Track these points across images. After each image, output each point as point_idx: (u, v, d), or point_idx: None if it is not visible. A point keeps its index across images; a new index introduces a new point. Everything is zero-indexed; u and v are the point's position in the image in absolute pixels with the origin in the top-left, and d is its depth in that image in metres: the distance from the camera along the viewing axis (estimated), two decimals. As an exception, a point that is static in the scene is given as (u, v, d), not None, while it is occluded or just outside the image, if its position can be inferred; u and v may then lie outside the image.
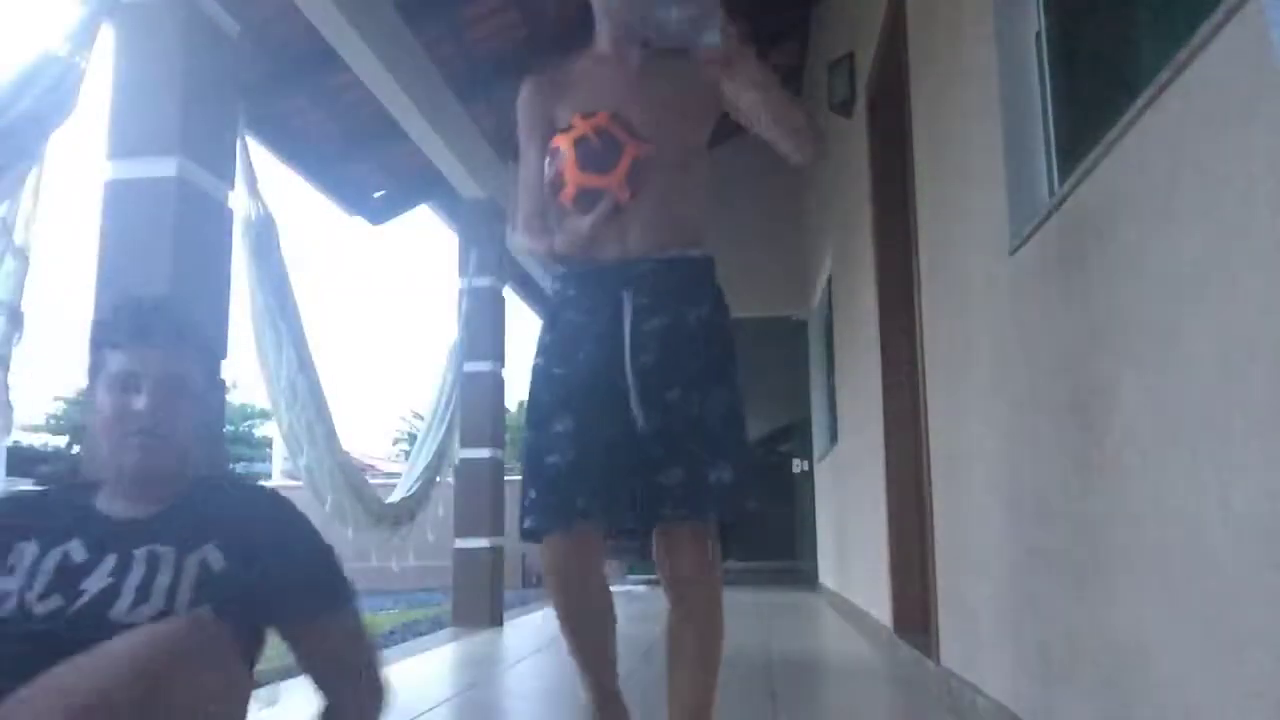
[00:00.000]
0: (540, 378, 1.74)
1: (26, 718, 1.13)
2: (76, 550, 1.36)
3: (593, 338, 1.71)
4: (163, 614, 1.31)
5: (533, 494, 1.66)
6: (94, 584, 1.33)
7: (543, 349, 1.77)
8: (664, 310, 1.72)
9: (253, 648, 1.42)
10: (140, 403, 1.38)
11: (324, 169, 5.46)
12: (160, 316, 1.46)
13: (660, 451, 1.68)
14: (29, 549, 1.36)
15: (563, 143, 1.62)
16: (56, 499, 1.50)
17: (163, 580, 1.35)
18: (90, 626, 1.26)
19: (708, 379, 1.72)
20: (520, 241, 1.84)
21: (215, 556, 1.38)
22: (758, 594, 7.31)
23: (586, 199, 1.60)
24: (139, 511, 1.42)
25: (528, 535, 1.68)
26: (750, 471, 1.72)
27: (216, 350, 1.79)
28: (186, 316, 1.52)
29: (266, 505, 1.50)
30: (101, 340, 1.43)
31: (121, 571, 1.35)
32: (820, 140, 1.76)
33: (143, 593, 1.33)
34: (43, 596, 1.31)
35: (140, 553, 1.36)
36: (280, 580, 1.40)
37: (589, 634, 1.75)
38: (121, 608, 1.32)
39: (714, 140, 1.91)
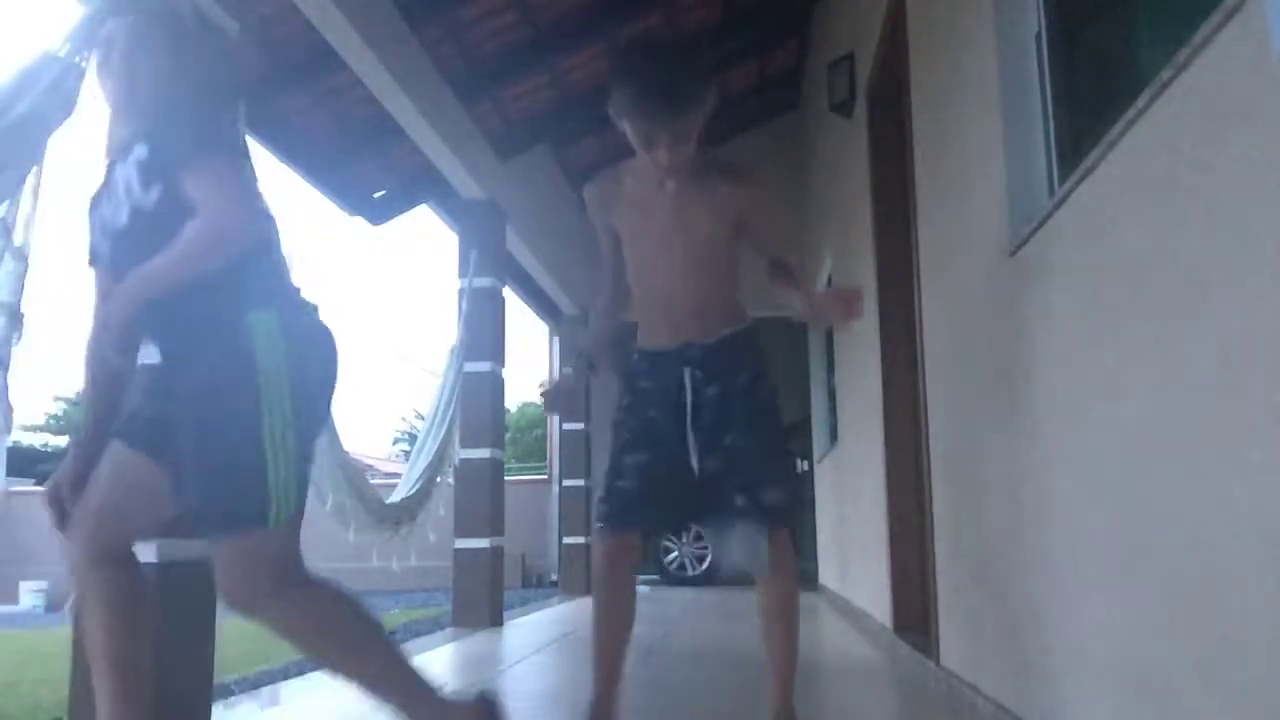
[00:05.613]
0: (622, 427, 2.23)
1: None
2: None
3: (660, 403, 2.18)
4: None
5: (604, 507, 2.20)
6: None
7: (624, 408, 2.24)
8: (715, 381, 2.16)
9: None
10: None
11: (324, 169, 5.46)
12: None
13: (729, 482, 2.13)
14: None
15: None
16: None
17: None
18: None
19: (755, 426, 2.15)
20: (596, 304, 2.35)
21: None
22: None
23: None
24: None
25: (600, 527, 2.22)
26: (794, 487, 2.21)
27: None
28: None
29: None
30: None
31: None
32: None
33: None
34: None
35: None
36: None
37: (616, 612, 2.20)
38: None
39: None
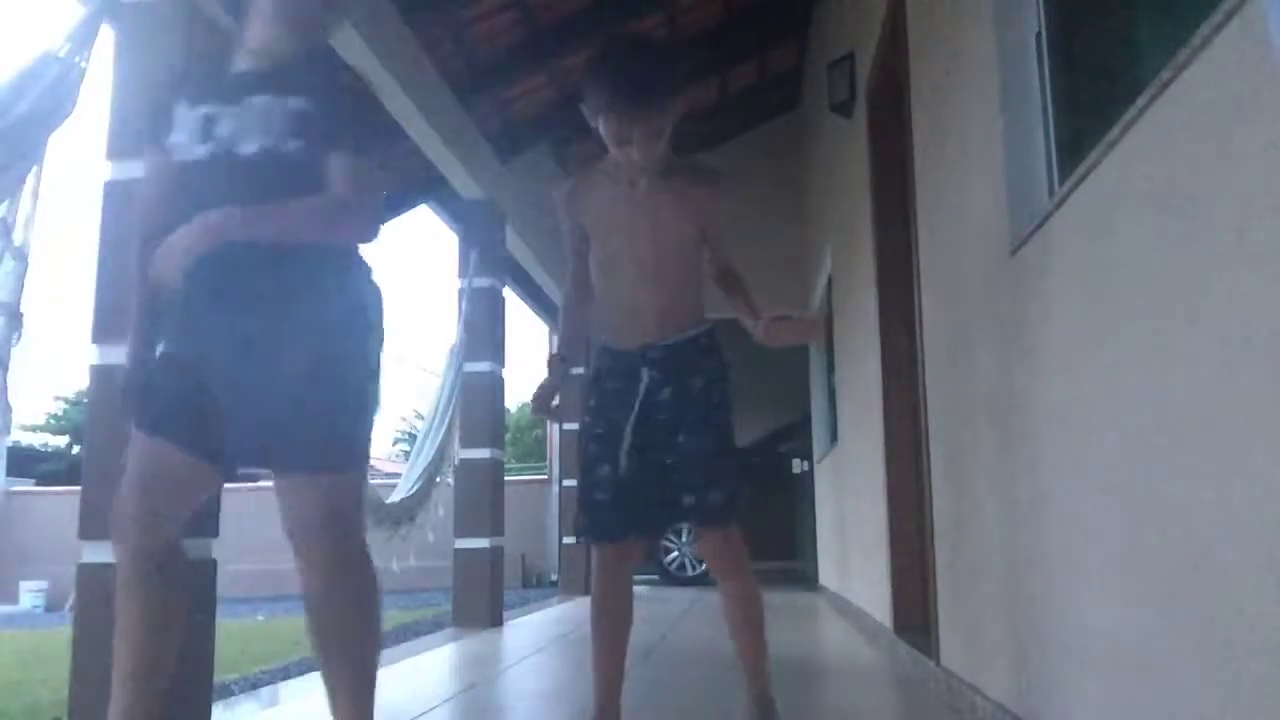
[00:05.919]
0: (589, 433, 2.24)
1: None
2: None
3: (621, 404, 2.19)
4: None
5: (584, 520, 2.21)
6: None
7: (588, 409, 2.25)
8: (670, 383, 2.18)
9: None
10: None
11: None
12: None
13: (677, 481, 2.16)
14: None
15: None
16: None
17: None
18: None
19: (707, 426, 2.17)
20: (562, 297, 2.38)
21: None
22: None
23: None
24: None
25: (582, 540, 2.24)
26: (740, 489, 2.21)
27: None
28: None
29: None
30: None
31: None
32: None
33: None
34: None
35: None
36: None
37: (612, 618, 2.21)
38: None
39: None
